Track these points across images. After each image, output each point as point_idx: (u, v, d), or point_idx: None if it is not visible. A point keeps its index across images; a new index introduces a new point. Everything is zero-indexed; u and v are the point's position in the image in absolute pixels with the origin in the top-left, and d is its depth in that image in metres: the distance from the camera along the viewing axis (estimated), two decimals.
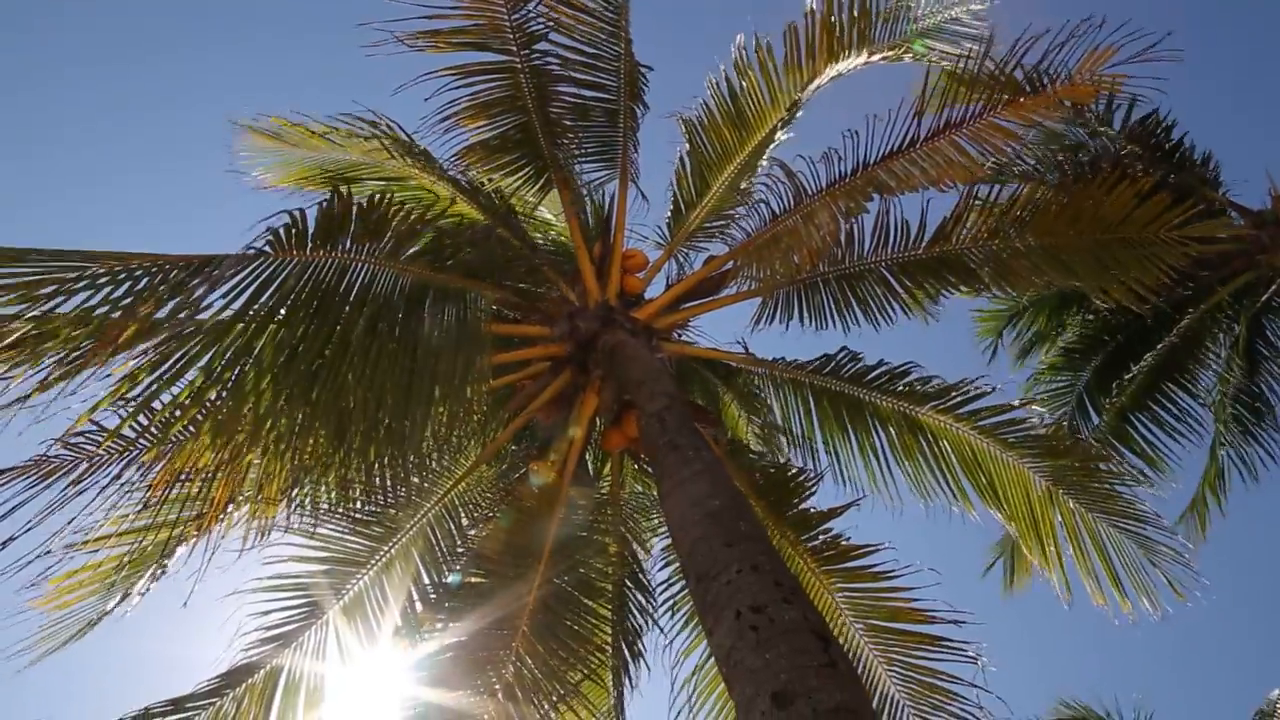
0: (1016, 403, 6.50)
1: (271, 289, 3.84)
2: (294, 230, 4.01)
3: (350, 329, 4.06)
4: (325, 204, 4.20)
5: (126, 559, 5.18)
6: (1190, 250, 6.18)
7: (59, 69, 17.64)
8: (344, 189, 4.36)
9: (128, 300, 3.38)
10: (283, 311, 3.87)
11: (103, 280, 3.39)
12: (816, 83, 6.67)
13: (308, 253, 4.09)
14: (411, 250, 4.63)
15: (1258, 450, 10.07)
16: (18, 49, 16.94)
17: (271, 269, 3.87)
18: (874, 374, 6.72)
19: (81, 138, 18.67)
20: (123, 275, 3.44)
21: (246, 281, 3.75)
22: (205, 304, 3.58)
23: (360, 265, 4.30)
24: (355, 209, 4.30)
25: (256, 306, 3.75)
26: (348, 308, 4.12)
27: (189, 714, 5.33)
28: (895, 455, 6.72)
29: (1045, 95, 6.26)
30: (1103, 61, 6.05)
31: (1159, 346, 9.74)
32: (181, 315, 3.45)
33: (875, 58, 6.54)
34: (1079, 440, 6.93)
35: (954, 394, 6.47)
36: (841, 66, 6.58)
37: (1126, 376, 9.88)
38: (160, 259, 3.57)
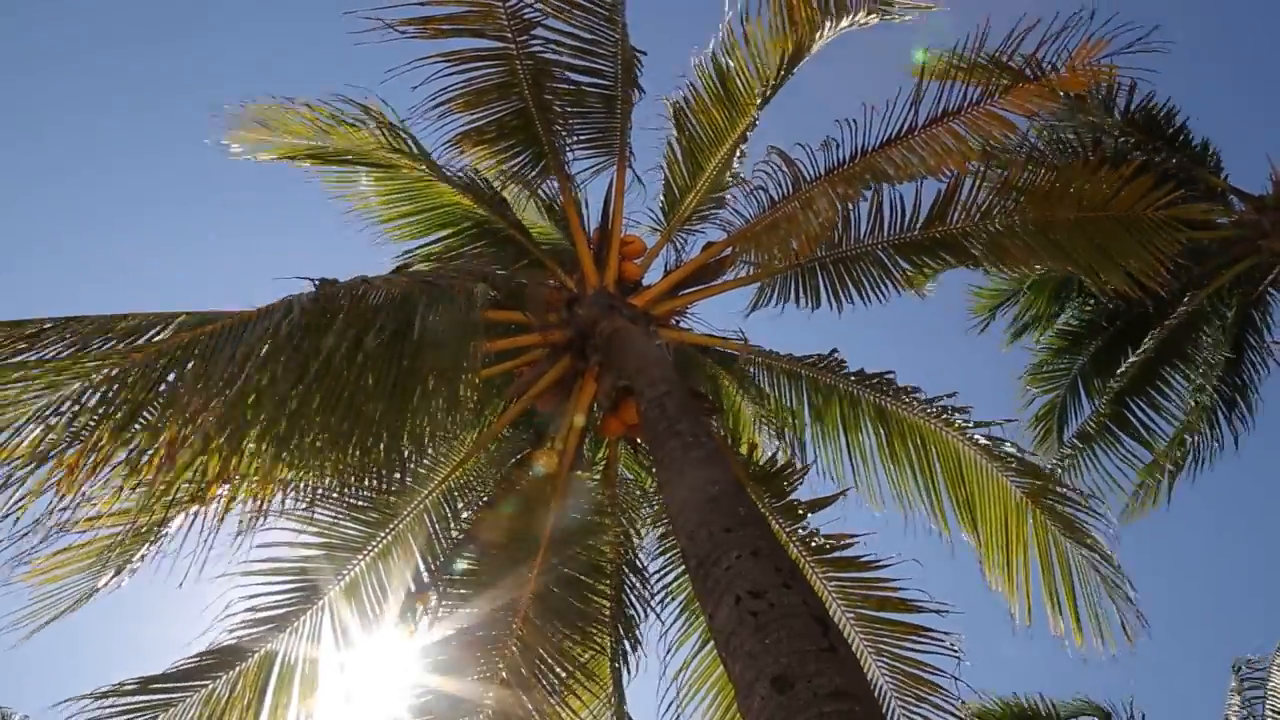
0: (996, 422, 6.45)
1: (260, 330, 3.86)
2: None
3: (345, 323, 4.03)
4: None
5: (118, 539, 5.17)
6: (1182, 236, 6.18)
7: (51, 57, 17.56)
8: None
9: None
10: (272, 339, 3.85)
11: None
12: (803, 53, 6.60)
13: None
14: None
15: (1216, 442, 10.11)
16: (5, 37, 16.87)
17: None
18: (862, 376, 6.72)
19: (71, 126, 18.62)
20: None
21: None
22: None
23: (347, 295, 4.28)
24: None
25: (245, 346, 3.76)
26: (340, 325, 4.08)
27: (176, 693, 5.34)
28: (882, 456, 6.70)
29: (1041, 84, 6.30)
30: (1097, 52, 6.13)
31: (1158, 330, 9.75)
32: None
33: (846, 23, 6.46)
34: (1055, 477, 6.85)
35: (941, 403, 6.46)
36: (823, 35, 6.53)
37: (1127, 362, 9.90)
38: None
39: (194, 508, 4.71)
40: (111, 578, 5.33)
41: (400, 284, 4.50)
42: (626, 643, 6.12)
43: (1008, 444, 6.34)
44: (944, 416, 6.42)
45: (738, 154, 7.00)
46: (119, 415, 3.62)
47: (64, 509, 4.55)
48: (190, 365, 3.69)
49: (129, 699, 5.25)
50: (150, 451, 3.87)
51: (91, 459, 4.24)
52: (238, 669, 5.58)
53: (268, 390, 3.80)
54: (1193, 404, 10.06)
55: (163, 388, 3.68)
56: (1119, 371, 9.99)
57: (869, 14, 6.51)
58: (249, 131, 6.76)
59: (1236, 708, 11.13)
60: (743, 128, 6.89)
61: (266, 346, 3.78)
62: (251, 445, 4.00)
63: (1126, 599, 5.92)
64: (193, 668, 5.48)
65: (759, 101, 6.74)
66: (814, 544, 6.23)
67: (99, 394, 3.57)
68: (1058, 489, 6.22)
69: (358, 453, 4.33)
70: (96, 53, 18.09)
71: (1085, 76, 6.29)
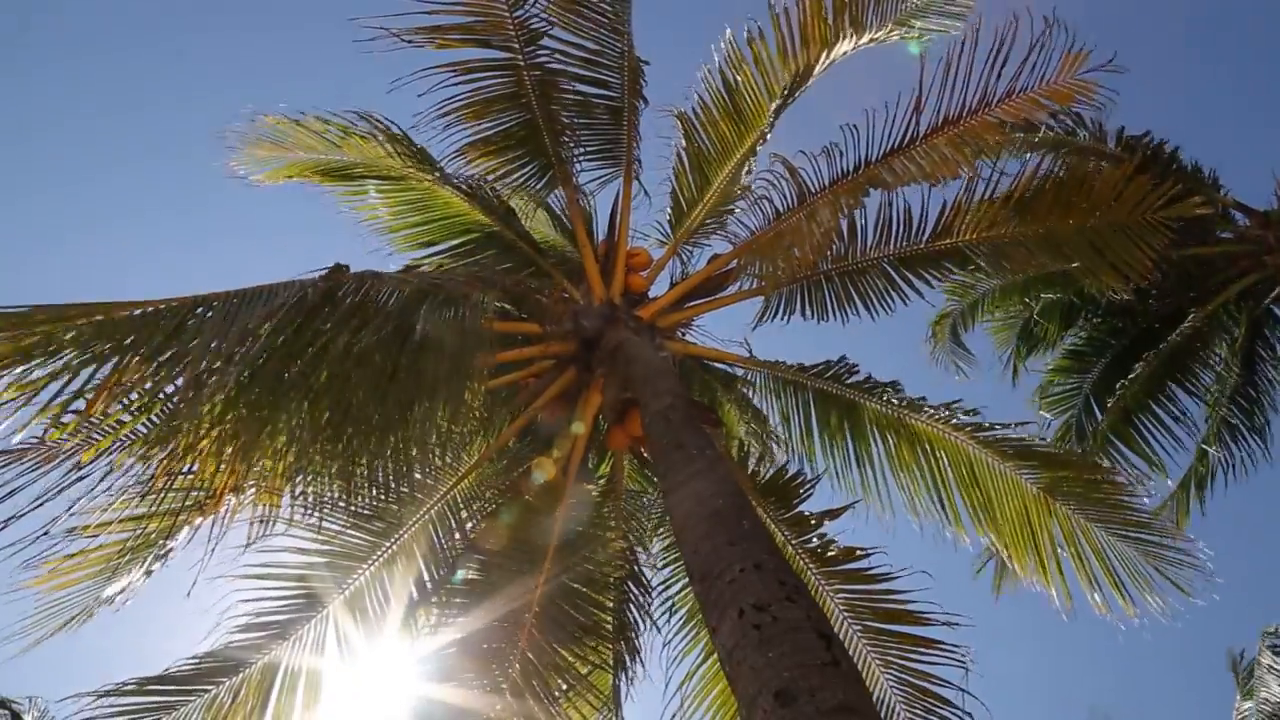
0: (1013, 424, 6.46)
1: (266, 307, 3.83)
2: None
3: (349, 331, 4.02)
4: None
5: (125, 546, 5.19)
6: (1170, 234, 6.27)
7: (55, 63, 17.64)
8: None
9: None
10: (279, 327, 3.84)
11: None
12: (813, 70, 6.63)
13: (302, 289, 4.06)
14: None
15: (1242, 453, 10.09)
16: (10, 45, 16.95)
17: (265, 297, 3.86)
18: (871, 384, 6.74)
19: (76, 133, 18.69)
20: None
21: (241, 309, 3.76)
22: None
23: (354, 286, 4.26)
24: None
25: (252, 321, 3.74)
26: (341, 316, 4.07)
27: (179, 695, 5.35)
28: (892, 466, 6.69)
29: (1029, 95, 6.35)
30: (1078, 65, 6.19)
31: (1162, 346, 9.74)
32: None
33: (865, 39, 6.51)
34: (1080, 452, 6.89)
35: (950, 409, 6.46)
36: (835, 53, 6.55)
37: (1129, 376, 9.88)
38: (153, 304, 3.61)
39: (202, 518, 4.76)
40: (120, 589, 5.36)
41: (410, 282, 4.49)
42: (627, 655, 6.12)
43: (1025, 437, 6.38)
44: (952, 421, 6.42)
45: (746, 168, 7.02)
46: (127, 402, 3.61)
47: (74, 514, 4.62)
48: (193, 344, 3.63)
49: (134, 699, 5.26)
50: (159, 446, 3.89)
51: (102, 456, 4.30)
52: (241, 675, 5.58)
53: (272, 381, 3.79)
54: (1209, 418, 10.05)
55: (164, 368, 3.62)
56: (1122, 386, 9.98)
57: (890, 31, 6.55)
58: (262, 149, 6.81)
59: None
60: (751, 142, 6.90)
61: (270, 326, 3.76)
62: (257, 449, 4.02)
63: (1175, 560, 5.93)
64: (196, 671, 5.48)
65: (769, 118, 6.77)
66: (822, 556, 6.22)
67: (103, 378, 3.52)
68: (1076, 475, 6.24)
69: (363, 460, 4.34)
70: (96, 56, 18.16)
71: (1069, 90, 6.35)
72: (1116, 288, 6.49)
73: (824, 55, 6.48)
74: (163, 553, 5.39)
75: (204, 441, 3.86)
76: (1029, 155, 9.02)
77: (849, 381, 6.80)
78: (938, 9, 6.65)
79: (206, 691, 5.48)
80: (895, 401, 6.61)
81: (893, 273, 6.86)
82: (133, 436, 4.56)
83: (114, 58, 18.45)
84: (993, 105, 6.33)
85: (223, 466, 4.05)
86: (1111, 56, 6.18)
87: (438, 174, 6.70)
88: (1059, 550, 6.11)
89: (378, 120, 6.39)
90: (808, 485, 6.47)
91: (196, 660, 5.49)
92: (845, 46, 6.51)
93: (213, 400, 3.66)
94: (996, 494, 6.31)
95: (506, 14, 6.20)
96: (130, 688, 5.27)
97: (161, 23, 18.15)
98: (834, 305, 7.03)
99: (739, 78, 6.81)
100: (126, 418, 4.19)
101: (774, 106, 6.73)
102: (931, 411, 6.49)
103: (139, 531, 5.19)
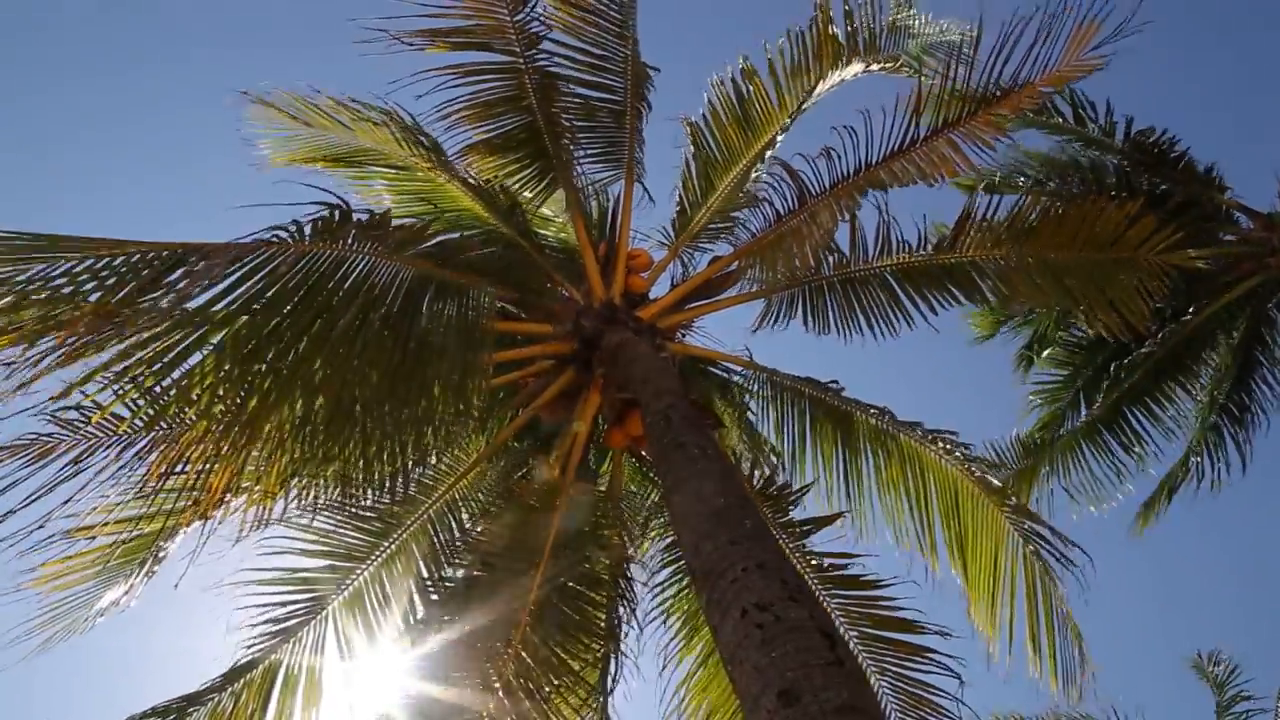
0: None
1: (264, 280, 3.76)
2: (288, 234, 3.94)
3: (344, 319, 4.00)
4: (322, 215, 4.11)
5: (123, 546, 5.18)
6: (1171, 281, 6.27)
7: (60, 66, 17.65)
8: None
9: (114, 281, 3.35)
10: (277, 301, 3.79)
11: (91, 268, 3.37)
12: (821, 87, 6.72)
13: (305, 244, 4.00)
14: (413, 251, 4.60)
15: (1224, 459, 10.06)
16: (20, 43, 16.96)
17: (265, 257, 3.79)
18: (866, 404, 6.71)
19: (83, 134, 18.68)
20: (113, 262, 3.42)
21: (239, 272, 3.69)
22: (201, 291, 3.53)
23: (359, 259, 4.22)
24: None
25: (252, 296, 3.68)
26: (342, 297, 4.04)
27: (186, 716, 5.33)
28: (879, 483, 6.67)
29: (1029, 88, 6.27)
30: (1086, 41, 6.01)
31: (1157, 345, 9.72)
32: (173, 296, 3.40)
33: (875, 67, 6.63)
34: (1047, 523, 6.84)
35: (944, 438, 6.46)
36: (845, 73, 6.65)
37: (1126, 362, 9.85)
38: (154, 245, 3.54)
39: (200, 517, 4.73)
40: (122, 594, 5.35)
41: (413, 264, 4.45)
42: (617, 653, 6.10)
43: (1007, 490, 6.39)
44: (943, 444, 6.41)
45: (751, 174, 7.03)
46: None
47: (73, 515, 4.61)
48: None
49: None
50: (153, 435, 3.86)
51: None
52: (242, 680, 5.57)
53: (269, 369, 3.75)
54: (1198, 421, 10.02)
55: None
56: (1119, 379, 9.95)
57: (899, 65, 6.65)
58: (278, 115, 6.68)
59: None
60: (758, 149, 6.95)
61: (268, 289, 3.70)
62: (254, 443, 3.99)
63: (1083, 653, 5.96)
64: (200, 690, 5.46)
65: (776, 129, 6.83)
66: (817, 562, 6.19)
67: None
68: (1051, 534, 6.22)
69: (362, 458, 4.33)
70: (97, 63, 18.16)
71: (1074, 70, 6.21)
72: (1113, 327, 6.39)
73: (834, 71, 6.60)
74: (160, 553, 5.39)
75: (200, 430, 3.82)
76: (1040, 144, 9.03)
77: (845, 395, 6.78)
78: (946, 45, 6.69)
79: (210, 700, 5.46)
80: (889, 421, 6.59)
81: (895, 286, 6.81)
82: (127, 428, 4.57)
83: (111, 59, 18.44)
84: (994, 103, 6.28)
85: (217, 463, 4.03)
86: (1127, 19, 5.78)
87: (446, 167, 6.68)
88: (1015, 600, 6.11)
89: (389, 109, 6.37)
90: (804, 490, 6.47)
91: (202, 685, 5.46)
92: (856, 68, 6.62)
93: (210, 382, 3.62)
94: (974, 528, 6.29)
95: (507, 18, 6.21)
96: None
97: (158, 23, 18.14)
98: (837, 317, 7.00)
99: (750, 88, 6.89)
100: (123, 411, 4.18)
101: (782, 121, 6.79)
102: (923, 436, 6.49)
103: (135, 533, 5.19)
